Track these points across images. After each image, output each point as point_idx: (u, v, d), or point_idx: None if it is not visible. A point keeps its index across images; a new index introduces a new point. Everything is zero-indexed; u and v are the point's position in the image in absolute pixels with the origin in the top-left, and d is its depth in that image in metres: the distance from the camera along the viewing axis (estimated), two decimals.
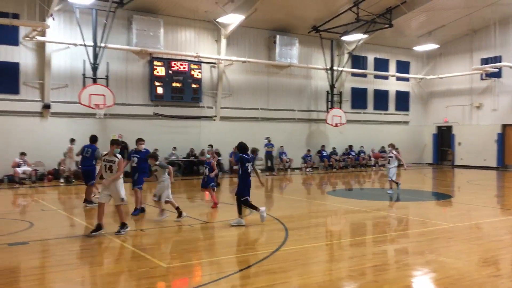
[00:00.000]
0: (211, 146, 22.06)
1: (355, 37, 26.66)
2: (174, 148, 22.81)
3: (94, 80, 19.93)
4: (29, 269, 7.32)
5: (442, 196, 16.68)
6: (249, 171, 10.58)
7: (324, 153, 27.48)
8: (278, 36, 25.94)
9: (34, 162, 19.24)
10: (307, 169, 25.87)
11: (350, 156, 28.39)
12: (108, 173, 9.49)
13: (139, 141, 12.16)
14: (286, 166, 26.06)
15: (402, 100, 31.78)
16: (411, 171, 26.22)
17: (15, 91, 19.78)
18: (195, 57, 23.33)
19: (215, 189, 13.45)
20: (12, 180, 18.54)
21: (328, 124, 27.09)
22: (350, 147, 28.71)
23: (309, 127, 28.05)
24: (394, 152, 16.34)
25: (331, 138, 28.36)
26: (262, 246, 8.74)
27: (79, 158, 14.11)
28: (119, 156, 9.57)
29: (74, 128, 20.18)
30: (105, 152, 9.85)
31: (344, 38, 27.06)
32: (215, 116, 24.64)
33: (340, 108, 27.99)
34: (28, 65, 20.03)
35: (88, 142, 13.44)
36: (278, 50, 25.95)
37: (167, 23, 22.98)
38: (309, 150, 27.00)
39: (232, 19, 22.80)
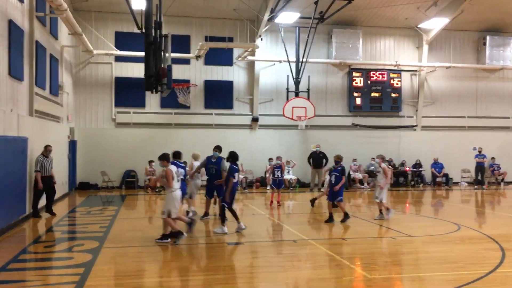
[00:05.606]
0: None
1: None
2: (373, 158, 22.53)
3: (297, 94, 21.08)
4: (244, 267, 8.10)
5: None
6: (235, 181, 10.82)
7: None
8: (488, 37, 23.71)
9: (244, 170, 21.14)
10: None
11: None
12: None
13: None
14: (498, 180, 23.50)
15: None
16: None
17: (230, 106, 22.21)
18: (395, 65, 22.86)
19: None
20: None
21: None
22: None
23: None
24: (383, 165, 12.55)
25: None
26: (474, 265, 8.04)
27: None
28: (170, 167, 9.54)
29: (278, 139, 21.71)
30: None
31: None
32: (415, 125, 23.66)
33: None
34: (240, 82, 22.30)
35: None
36: (489, 52, 23.72)
37: (366, 33, 23.06)
38: None
39: (435, 24, 21.68)
